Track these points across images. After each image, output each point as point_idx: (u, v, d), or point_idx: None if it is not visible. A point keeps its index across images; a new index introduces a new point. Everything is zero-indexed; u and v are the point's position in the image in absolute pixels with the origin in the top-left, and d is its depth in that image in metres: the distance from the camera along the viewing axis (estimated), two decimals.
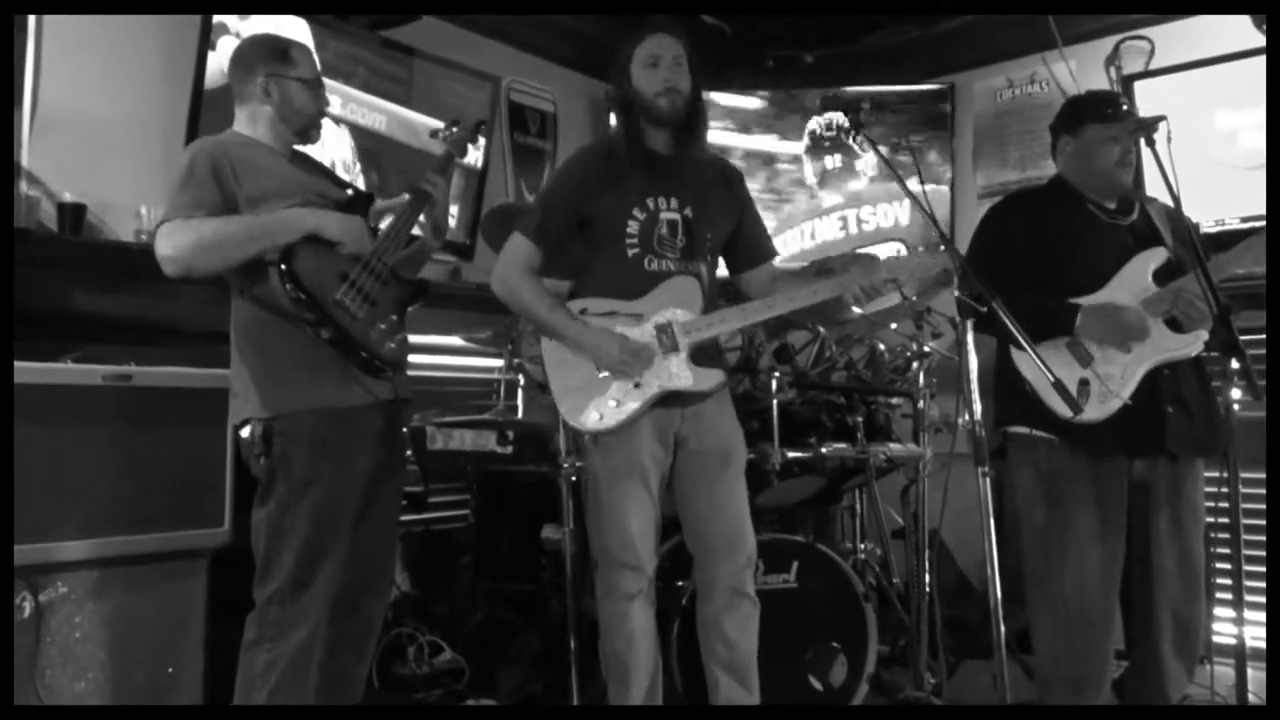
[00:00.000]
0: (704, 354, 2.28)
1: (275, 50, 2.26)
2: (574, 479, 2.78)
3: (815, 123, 4.57)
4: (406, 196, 2.36)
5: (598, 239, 2.27)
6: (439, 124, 2.69)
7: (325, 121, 2.33)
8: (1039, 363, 1.95)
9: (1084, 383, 2.26)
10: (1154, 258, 2.34)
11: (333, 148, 3.64)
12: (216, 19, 3.26)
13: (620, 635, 2.25)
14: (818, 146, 4.58)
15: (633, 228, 2.24)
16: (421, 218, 2.38)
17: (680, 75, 2.23)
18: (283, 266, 2.04)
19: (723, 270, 2.45)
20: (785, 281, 2.40)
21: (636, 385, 2.21)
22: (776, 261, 2.49)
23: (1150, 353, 2.28)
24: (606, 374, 2.22)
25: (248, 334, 2.15)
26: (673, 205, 2.27)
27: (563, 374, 2.25)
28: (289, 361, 2.11)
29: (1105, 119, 2.38)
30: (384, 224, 2.33)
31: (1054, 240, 2.37)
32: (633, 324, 2.24)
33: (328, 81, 2.38)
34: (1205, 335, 2.27)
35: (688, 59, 2.25)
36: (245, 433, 2.11)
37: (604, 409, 2.20)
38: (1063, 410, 2.20)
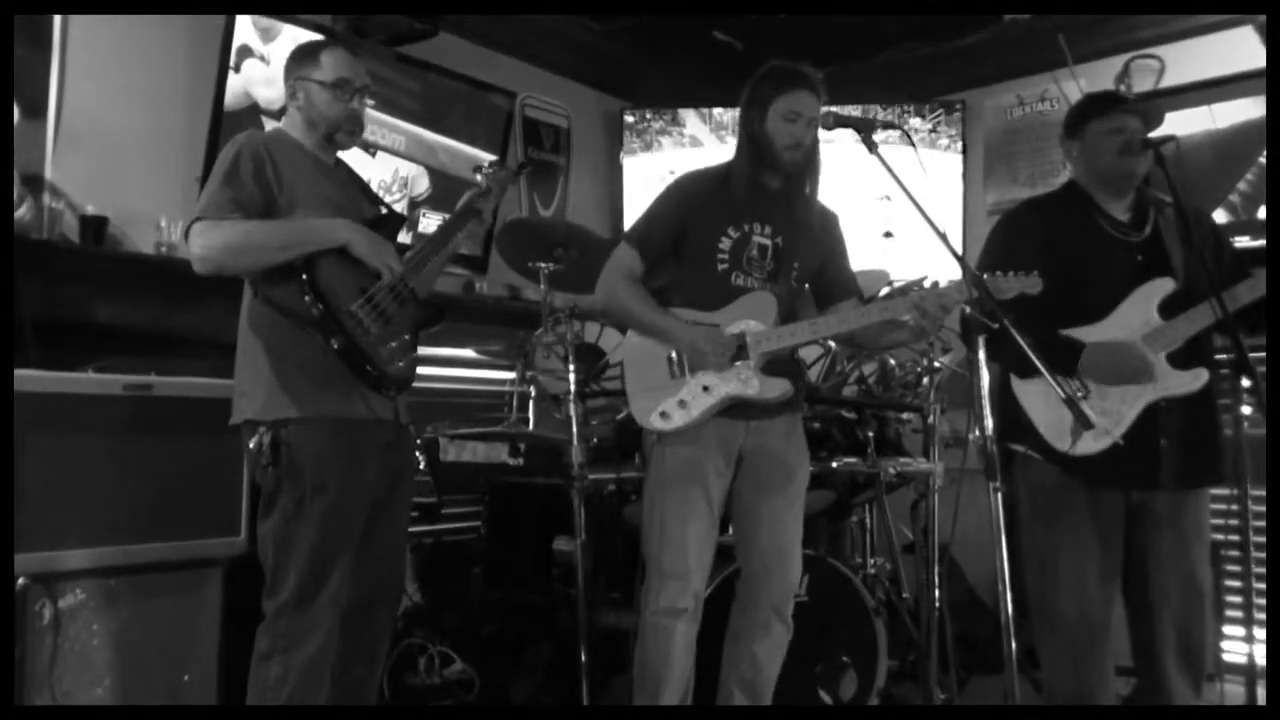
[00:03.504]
0: (774, 365, 2.34)
1: (305, 53, 2.27)
2: (587, 492, 2.80)
3: None
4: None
5: (690, 252, 2.37)
6: (487, 156, 2.69)
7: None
8: (1050, 379, 1.95)
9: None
10: (1160, 289, 2.29)
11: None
12: (241, 41, 3.31)
13: (658, 651, 2.25)
14: None
15: (725, 244, 2.34)
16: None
17: (810, 134, 2.32)
18: (304, 276, 2.06)
19: None
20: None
21: (705, 389, 2.28)
22: None
23: (1149, 391, 2.25)
24: (680, 376, 2.29)
25: (259, 335, 2.14)
26: (766, 232, 2.37)
27: (638, 375, 2.34)
28: (300, 367, 2.09)
29: (1105, 111, 2.37)
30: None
31: (1062, 260, 2.32)
32: None
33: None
34: (1206, 374, 2.24)
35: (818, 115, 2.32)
36: (252, 443, 2.09)
37: (671, 410, 2.28)
38: (1058, 443, 2.24)
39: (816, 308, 2.52)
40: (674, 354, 2.31)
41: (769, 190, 2.38)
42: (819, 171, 2.40)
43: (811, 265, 2.45)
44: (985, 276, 2.10)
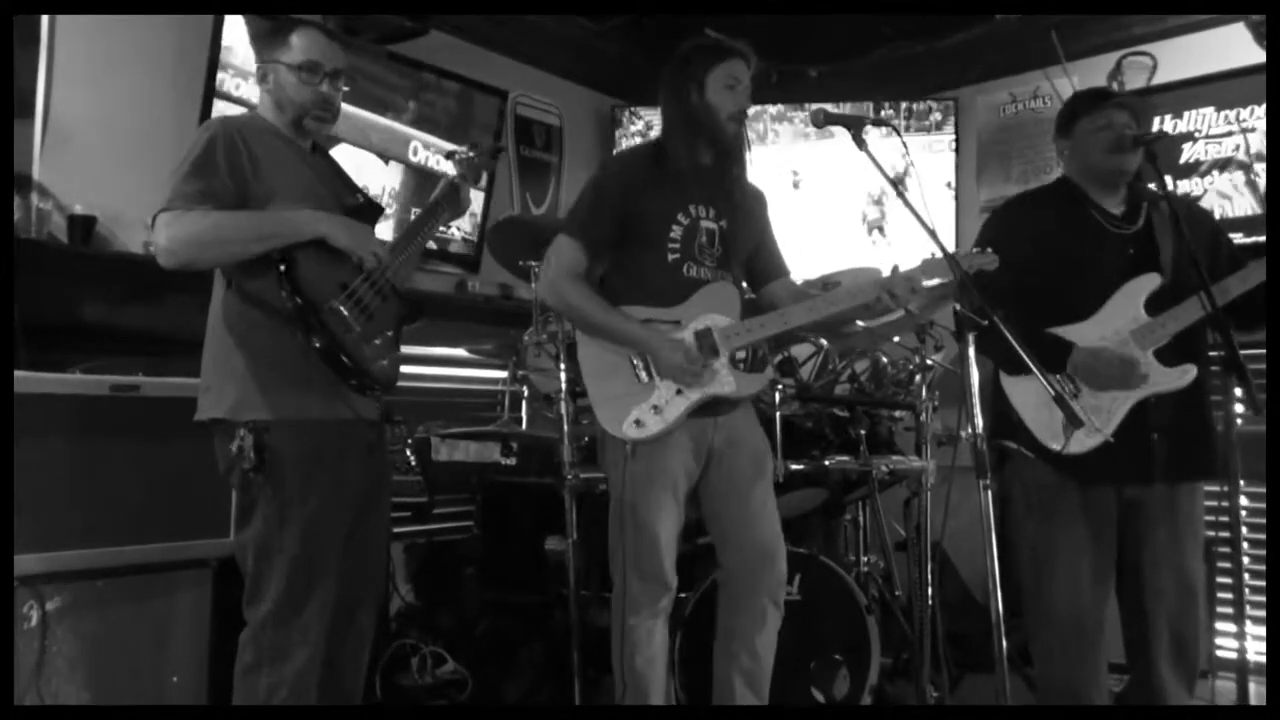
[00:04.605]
0: (744, 359, 2.29)
1: (273, 33, 2.16)
2: (578, 491, 2.79)
3: None
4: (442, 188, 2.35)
5: (638, 242, 2.26)
6: (457, 147, 2.62)
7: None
8: (1040, 376, 1.95)
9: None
10: (1147, 285, 2.29)
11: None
12: (224, 43, 3.28)
13: (643, 654, 2.23)
14: None
15: (675, 233, 2.25)
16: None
17: (748, 102, 2.29)
18: (282, 268, 1.97)
19: None
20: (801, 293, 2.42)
21: (679, 391, 2.20)
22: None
23: (1138, 390, 2.25)
24: (648, 381, 2.20)
25: (232, 329, 2.03)
26: (711, 215, 2.30)
27: (601, 382, 2.23)
28: (278, 366, 2.01)
29: (1094, 108, 2.37)
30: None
31: (1054, 251, 2.33)
32: (671, 330, 2.23)
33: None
34: (1194, 370, 2.24)
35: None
36: (234, 445, 1.99)
37: (645, 416, 2.18)
38: (1048, 441, 2.23)
39: (752, 289, 2.46)
40: (637, 357, 2.22)
41: (705, 168, 2.31)
42: (745, 149, 2.35)
43: (749, 247, 2.40)
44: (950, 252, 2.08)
